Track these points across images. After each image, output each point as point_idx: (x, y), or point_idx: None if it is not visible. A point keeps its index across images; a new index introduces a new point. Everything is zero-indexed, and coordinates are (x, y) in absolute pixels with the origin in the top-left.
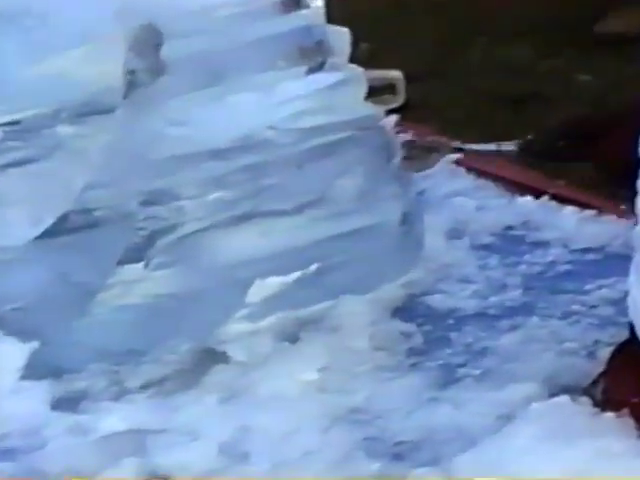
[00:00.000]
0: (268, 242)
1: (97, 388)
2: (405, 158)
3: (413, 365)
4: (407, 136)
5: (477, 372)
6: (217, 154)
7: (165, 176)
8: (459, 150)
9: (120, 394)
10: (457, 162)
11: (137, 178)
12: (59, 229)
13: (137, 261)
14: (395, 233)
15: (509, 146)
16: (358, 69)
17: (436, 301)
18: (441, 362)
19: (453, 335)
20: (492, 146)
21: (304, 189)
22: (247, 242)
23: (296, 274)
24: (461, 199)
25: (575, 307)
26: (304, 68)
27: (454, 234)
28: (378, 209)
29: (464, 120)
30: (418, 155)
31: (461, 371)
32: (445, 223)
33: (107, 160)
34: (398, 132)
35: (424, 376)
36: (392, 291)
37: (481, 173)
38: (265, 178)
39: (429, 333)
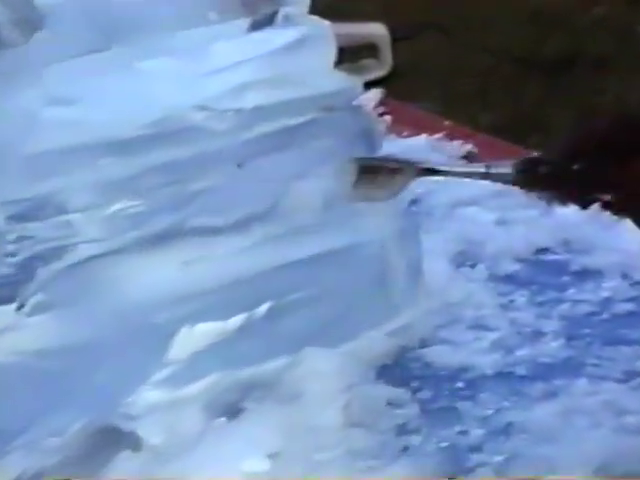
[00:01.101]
0: (197, 273)
1: None
2: (356, 184)
3: (405, 449)
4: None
5: (499, 459)
6: (121, 147)
7: (45, 178)
8: (432, 172)
9: None
10: (468, 156)
11: (3, 181)
12: None
13: (6, 302)
14: (379, 258)
15: (504, 167)
16: (324, 23)
17: (439, 356)
18: (446, 444)
19: (464, 405)
20: (480, 167)
21: (248, 197)
22: (167, 273)
23: (238, 318)
24: (474, 210)
25: None
26: (246, 22)
27: (464, 260)
28: (354, 225)
29: (476, 95)
30: (374, 180)
31: (475, 457)
32: (451, 244)
33: None
34: (382, 114)
35: (421, 465)
36: (376, 342)
37: None
38: (191, 181)
39: (429, 402)
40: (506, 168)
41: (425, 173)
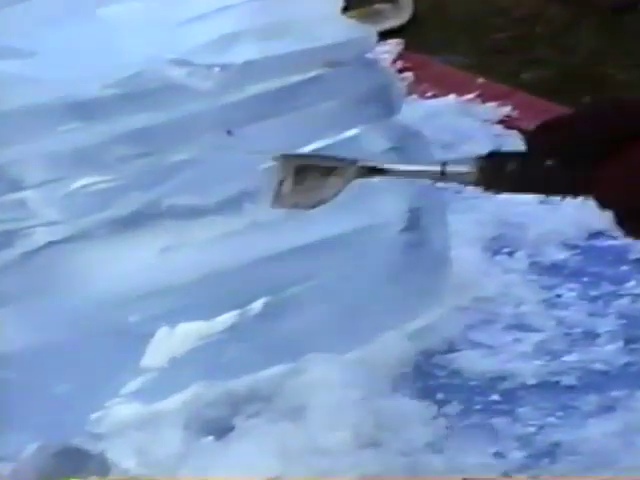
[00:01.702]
0: (177, 263)
1: None
2: (280, 187)
3: (429, 473)
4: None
5: None
6: (84, 110)
7: None
8: (376, 172)
9: None
10: (504, 121)
11: None
12: None
13: None
14: (396, 245)
15: (464, 166)
16: None
17: (470, 362)
18: (479, 468)
19: (500, 421)
20: (435, 166)
21: (238, 171)
22: (141, 263)
23: (228, 317)
24: None
25: None
26: None
27: (501, 246)
28: (366, 204)
29: (515, 46)
30: (302, 182)
31: None
32: (485, 227)
33: None
34: (402, 70)
35: None
36: (393, 346)
37: None
38: (170, 152)
39: (459, 418)
40: (467, 166)
41: (367, 173)
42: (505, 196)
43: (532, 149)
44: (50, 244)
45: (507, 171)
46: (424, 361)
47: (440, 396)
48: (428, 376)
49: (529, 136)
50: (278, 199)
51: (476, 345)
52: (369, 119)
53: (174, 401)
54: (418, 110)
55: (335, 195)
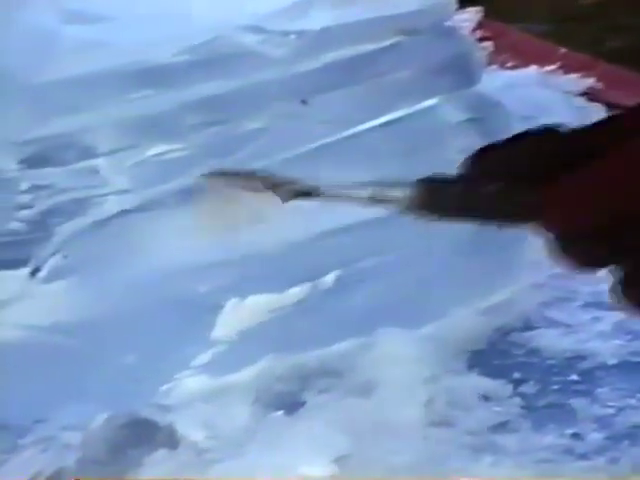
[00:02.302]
0: (249, 233)
1: None
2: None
3: (503, 454)
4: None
5: (621, 469)
6: (156, 76)
7: (65, 114)
8: (308, 194)
9: None
10: (590, 92)
11: (13, 117)
12: None
13: (17, 265)
14: None
15: (399, 190)
16: None
17: (547, 340)
18: (556, 449)
19: (578, 402)
20: (367, 190)
21: (312, 139)
22: (212, 233)
23: (298, 290)
24: None
25: None
26: None
27: None
28: (444, 173)
29: (599, 13)
30: (235, 201)
31: (591, 466)
32: None
33: None
34: (481, 39)
35: (524, 474)
36: (467, 322)
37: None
38: (243, 119)
39: (534, 398)
40: (401, 191)
41: (299, 195)
42: None
43: (469, 173)
44: (121, 213)
45: (445, 197)
46: (500, 339)
47: (516, 375)
48: (503, 354)
49: (466, 160)
50: (202, 226)
51: (554, 323)
52: (447, 89)
53: (244, 374)
54: (497, 81)
55: (264, 220)
